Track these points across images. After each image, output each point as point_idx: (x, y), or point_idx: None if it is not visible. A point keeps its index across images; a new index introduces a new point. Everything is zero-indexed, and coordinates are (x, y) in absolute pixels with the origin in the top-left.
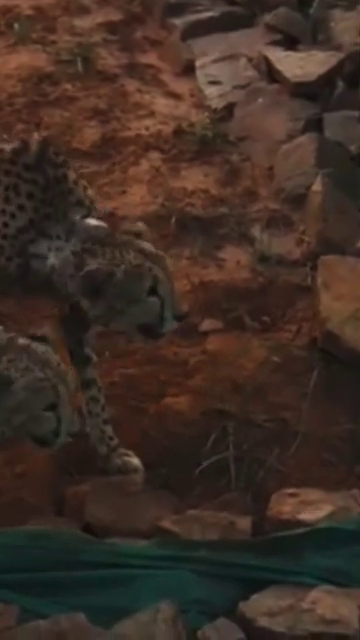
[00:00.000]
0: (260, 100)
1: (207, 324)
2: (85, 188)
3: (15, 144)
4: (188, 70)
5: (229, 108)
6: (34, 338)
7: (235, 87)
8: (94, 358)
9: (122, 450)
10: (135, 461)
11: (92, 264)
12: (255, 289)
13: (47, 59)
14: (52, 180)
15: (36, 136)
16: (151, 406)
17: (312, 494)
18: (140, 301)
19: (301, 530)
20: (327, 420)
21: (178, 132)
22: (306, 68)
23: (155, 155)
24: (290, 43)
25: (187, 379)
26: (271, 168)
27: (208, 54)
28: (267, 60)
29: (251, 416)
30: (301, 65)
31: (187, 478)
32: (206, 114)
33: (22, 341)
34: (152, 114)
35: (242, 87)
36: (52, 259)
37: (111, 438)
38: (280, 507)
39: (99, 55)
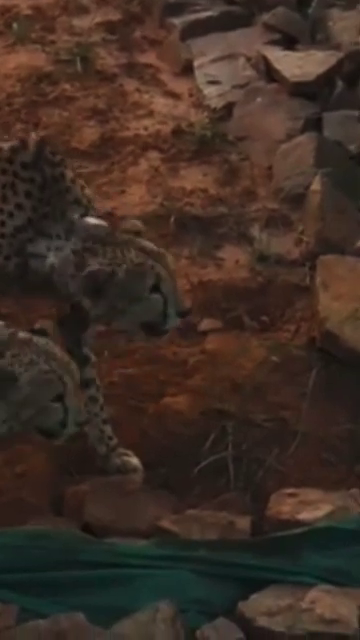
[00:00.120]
0: (259, 100)
1: (206, 324)
2: (82, 187)
3: (13, 143)
4: (187, 70)
5: (228, 108)
6: (33, 332)
7: (234, 87)
8: (93, 358)
9: (121, 450)
10: (134, 461)
11: (93, 264)
12: (254, 289)
13: (46, 59)
14: (49, 179)
15: (34, 135)
16: (150, 406)
17: (311, 494)
18: (143, 299)
19: (300, 530)
20: (326, 420)
21: (177, 132)
22: (305, 68)
23: (154, 155)
24: (289, 43)
25: (186, 379)
26: (270, 168)
27: (207, 54)
28: (266, 60)
29: (250, 416)
30: (300, 65)
31: (186, 478)
32: (205, 114)
33: (23, 335)
34: (151, 114)
35: (241, 87)
36: (52, 258)
37: (110, 438)
38: (279, 507)
39: (98, 55)
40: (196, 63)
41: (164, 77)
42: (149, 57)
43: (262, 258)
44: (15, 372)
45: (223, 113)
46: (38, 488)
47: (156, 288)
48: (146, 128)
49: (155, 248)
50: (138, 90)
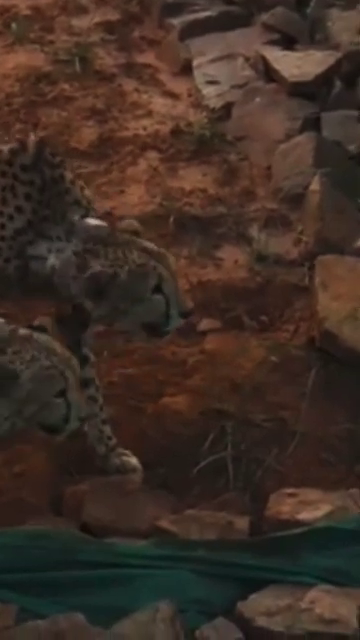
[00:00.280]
0: (258, 100)
1: (205, 324)
2: (82, 188)
3: (12, 145)
4: (186, 70)
5: (227, 108)
6: (32, 328)
7: (233, 87)
8: (92, 358)
9: (120, 450)
10: (133, 461)
11: (95, 265)
12: (253, 289)
13: (45, 59)
14: (49, 181)
15: (33, 137)
16: (149, 406)
17: (311, 494)
18: (145, 300)
19: (299, 530)
20: (325, 420)
21: (176, 132)
22: (304, 67)
23: (153, 155)
24: (288, 42)
25: (185, 379)
26: (269, 168)
27: (206, 54)
28: (265, 60)
29: (249, 416)
30: (299, 65)
31: (185, 478)
32: (204, 114)
33: (24, 331)
34: (150, 114)
35: (240, 87)
36: (52, 260)
37: (109, 438)
38: (279, 507)
39: (97, 55)
40: (195, 63)
41: (163, 77)
42: (148, 57)
43: (261, 258)
44: (17, 370)
45: (222, 113)
46: (37, 488)
47: (158, 289)
48: (145, 128)
49: (157, 248)
50: (137, 90)
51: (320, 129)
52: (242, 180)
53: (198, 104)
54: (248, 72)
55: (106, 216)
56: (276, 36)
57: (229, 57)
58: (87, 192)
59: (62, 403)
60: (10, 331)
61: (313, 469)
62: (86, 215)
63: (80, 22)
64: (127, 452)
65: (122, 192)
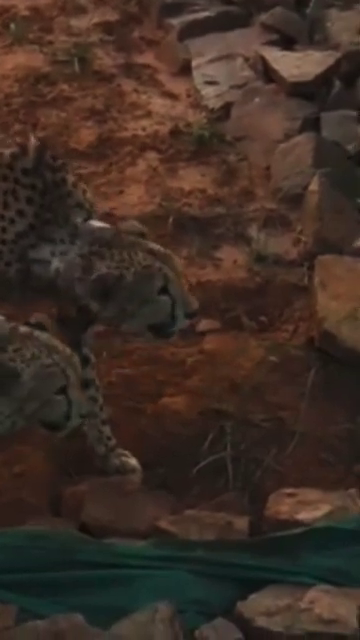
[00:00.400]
0: (257, 100)
1: (204, 324)
2: (84, 191)
3: (13, 149)
4: (185, 70)
5: (226, 108)
6: (31, 326)
7: (232, 87)
8: (92, 359)
9: (120, 450)
10: (133, 461)
11: (101, 267)
12: (252, 289)
13: (44, 59)
14: (50, 184)
15: (33, 140)
16: (149, 406)
17: (310, 494)
18: (151, 301)
19: (299, 530)
20: (325, 420)
21: (175, 132)
22: (303, 68)
23: (152, 155)
24: (287, 43)
25: (185, 379)
26: (268, 168)
27: (205, 54)
28: (264, 60)
29: (249, 416)
30: (298, 65)
31: (185, 478)
32: (203, 114)
33: (24, 329)
34: (149, 114)
35: (239, 87)
36: (56, 263)
37: (109, 438)
38: (278, 507)
39: (96, 55)
40: (194, 63)
41: (162, 77)
42: (147, 57)
43: (260, 258)
44: (17, 368)
45: (221, 113)
46: (37, 488)
47: (164, 290)
48: (144, 128)
49: (162, 250)
50: (136, 90)
51: (319, 129)
52: (241, 180)
53: (197, 104)
54: (247, 72)
55: (106, 217)
56: (275, 36)
57: (228, 57)
58: (89, 195)
59: (63, 400)
60: (10, 329)
61: (312, 469)
62: (89, 218)
63: (79, 22)
64: (126, 452)
65: (121, 192)
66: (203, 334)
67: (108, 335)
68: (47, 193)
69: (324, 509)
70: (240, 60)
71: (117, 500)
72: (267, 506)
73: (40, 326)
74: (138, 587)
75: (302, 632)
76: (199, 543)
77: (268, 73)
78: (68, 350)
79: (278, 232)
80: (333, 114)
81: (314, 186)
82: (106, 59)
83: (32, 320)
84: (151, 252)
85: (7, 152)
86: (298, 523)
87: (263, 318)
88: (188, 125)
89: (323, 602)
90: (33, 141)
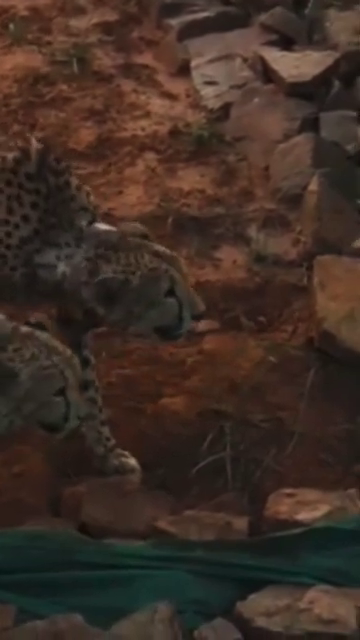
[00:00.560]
0: (256, 100)
1: (204, 324)
2: (88, 193)
3: (16, 153)
4: (184, 70)
5: (225, 108)
6: (31, 326)
7: (231, 87)
8: (92, 360)
9: (119, 451)
10: (132, 462)
11: (107, 270)
12: (251, 289)
13: (43, 60)
14: (54, 188)
15: (35, 143)
16: (148, 406)
17: (309, 494)
18: (158, 303)
19: (298, 530)
20: (324, 420)
21: (174, 132)
22: (302, 68)
23: (151, 155)
24: (286, 43)
25: (184, 379)
26: (267, 168)
27: (204, 54)
28: (263, 60)
29: (248, 416)
30: (297, 65)
31: (184, 478)
32: (202, 114)
33: (25, 329)
34: (148, 114)
35: (238, 87)
36: (62, 267)
37: (108, 439)
38: (277, 507)
39: (95, 56)
40: (193, 64)
41: (161, 78)
42: (146, 58)
43: (259, 258)
44: (15, 368)
45: (220, 114)
46: (36, 489)
47: (171, 292)
48: (143, 129)
49: (168, 251)
50: (135, 91)
51: (318, 129)
52: (240, 180)
53: (196, 105)
54: (246, 73)
55: (105, 217)
56: (274, 37)
57: (227, 58)
58: (92, 197)
59: (61, 402)
60: (12, 328)
61: (312, 469)
62: (93, 220)
63: (78, 23)
64: (126, 453)
65: (120, 193)
66: (202, 334)
67: (108, 335)
68: (51, 197)
69: (323, 509)
70: (239, 60)
71: (116, 500)
72: (266, 506)
73: (40, 326)
74: (137, 587)
75: (301, 632)
76: (198, 543)
77: (267, 73)
78: (68, 351)
79: (277, 232)
80: (332, 114)
81: (313, 186)
82: (105, 59)
83: (32, 320)
84: (157, 254)
85: (10, 156)
86: (297, 523)
87: (262, 318)
88: (187, 125)
89: (322, 602)
90: (35, 144)
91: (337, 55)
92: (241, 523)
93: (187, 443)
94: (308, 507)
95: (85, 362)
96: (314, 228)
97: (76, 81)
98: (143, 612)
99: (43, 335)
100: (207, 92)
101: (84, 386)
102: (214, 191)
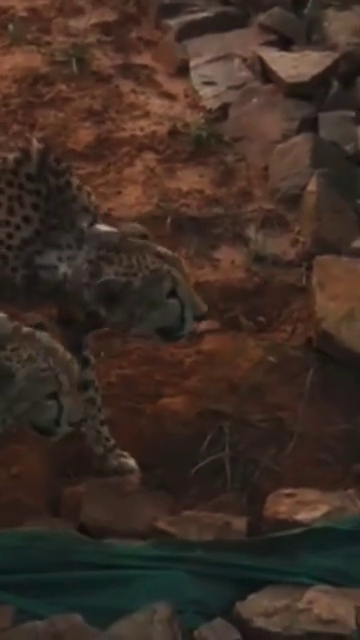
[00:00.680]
0: (255, 100)
1: (203, 324)
2: (89, 194)
3: (17, 154)
4: (183, 70)
5: (224, 108)
6: (33, 327)
7: (230, 87)
8: (92, 360)
9: (118, 451)
10: (131, 462)
11: (109, 272)
12: (250, 289)
13: (42, 60)
14: (55, 189)
15: (36, 144)
16: (147, 407)
17: (308, 494)
18: (160, 305)
19: (297, 530)
20: (323, 420)
21: (173, 133)
22: (300, 68)
23: (150, 156)
24: (284, 43)
25: (183, 379)
26: (266, 168)
27: (202, 54)
28: (261, 60)
29: (247, 416)
30: (295, 65)
31: (183, 479)
32: (201, 114)
33: (26, 330)
34: (147, 115)
35: (237, 87)
36: (64, 268)
37: (107, 439)
38: (276, 507)
39: (94, 56)
40: (192, 64)
41: (160, 78)
42: (145, 58)
43: (258, 259)
44: (12, 368)
45: (219, 114)
46: (35, 489)
47: (173, 293)
48: (142, 129)
49: (169, 252)
50: (134, 91)
51: (317, 130)
52: (239, 181)
53: (195, 105)
54: (245, 73)
55: (103, 217)
56: (273, 37)
57: (226, 58)
58: (93, 197)
59: (53, 405)
60: (13, 328)
61: (311, 469)
62: (94, 221)
63: (77, 23)
64: (125, 453)
65: (119, 193)
66: (201, 335)
67: (107, 336)
68: (52, 198)
69: (322, 509)
70: (238, 61)
71: (115, 501)
72: (265, 506)
73: (41, 327)
74: (137, 587)
75: (301, 632)
76: (198, 543)
77: (266, 73)
78: (68, 356)
79: (276, 232)
80: (331, 114)
81: (312, 186)
82: (104, 59)
83: (34, 322)
84: (159, 255)
85: (11, 157)
86: (296, 523)
87: (261, 318)
88: (186, 125)
89: (322, 602)
90: (36, 145)
91: (336, 55)
92: (240, 523)
93: (186, 443)
94: (307, 507)
95: (85, 362)
96: (313, 228)
97: (75, 81)
98: (142, 612)
99: (45, 337)
100: (206, 92)
101: (84, 386)
102: (213, 191)
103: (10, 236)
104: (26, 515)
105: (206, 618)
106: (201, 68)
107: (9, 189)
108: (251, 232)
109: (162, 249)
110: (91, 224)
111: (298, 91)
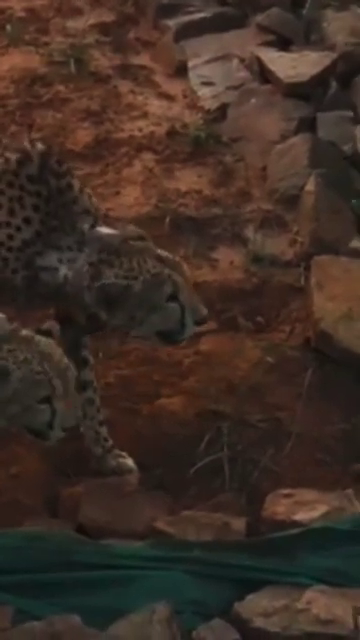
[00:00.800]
0: (253, 101)
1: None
2: (90, 196)
3: (18, 155)
4: (181, 71)
5: (222, 109)
6: (38, 332)
7: (228, 88)
8: (91, 360)
9: (117, 451)
10: (130, 462)
11: (110, 275)
12: (249, 290)
13: (40, 60)
14: (55, 191)
15: (38, 145)
16: (145, 407)
17: (307, 494)
18: (160, 308)
19: (296, 530)
20: (321, 420)
21: (171, 133)
22: (299, 68)
23: (148, 156)
24: (283, 44)
25: (181, 380)
26: (264, 168)
27: (201, 55)
28: (260, 61)
29: (245, 416)
30: (294, 65)
31: (181, 479)
32: (199, 115)
33: (25, 333)
34: (145, 115)
35: (235, 88)
36: (64, 270)
37: (106, 439)
38: (275, 507)
39: (92, 56)
40: (190, 64)
41: (158, 78)
42: (143, 58)
43: (257, 259)
44: (8, 367)
45: (217, 114)
46: (33, 489)
47: (173, 297)
48: (140, 129)
49: (170, 256)
50: (132, 91)
51: (315, 130)
52: (237, 181)
53: (193, 105)
54: (243, 73)
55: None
56: (271, 37)
57: (224, 58)
58: (94, 199)
59: (47, 410)
60: (11, 330)
61: (309, 469)
62: (95, 223)
63: (75, 24)
64: (123, 453)
65: (118, 193)
66: (199, 335)
67: (105, 336)
68: (52, 200)
69: (321, 509)
70: (236, 61)
71: (114, 501)
72: (264, 507)
73: (47, 333)
74: (135, 588)
75: (299, 632)
76: (196, 544)
77: (264, 74)
78: (65, 362)
79: (274, 233)
80: (329, 115)
81: (310, 187)
82: (102, 60)
83: (44, 326)
84: (160, 259)
85: (13, 158)
86: (295, 524)
87: (260, 319)
88: (184, 126)
89: (320, 602)
90: (38, 146)
91: (334, 56)
92: (239, 523)
93: (184, 443)
94: (306, 507)
95: (84, 363)
96: (311, 228)
97: (73, 82)
98: (141, 613)
99: (43, 341)
100: (204, 93)
101: (82, 386)
102: (211, 192)
103: (11, 237)
104: (25, 515)
105: (205, 618)
106: (199, 68)
107: (10, 190)
108: (249, 232)
109: (163, 253)
110: (92, 226)
111: (296, 91)
